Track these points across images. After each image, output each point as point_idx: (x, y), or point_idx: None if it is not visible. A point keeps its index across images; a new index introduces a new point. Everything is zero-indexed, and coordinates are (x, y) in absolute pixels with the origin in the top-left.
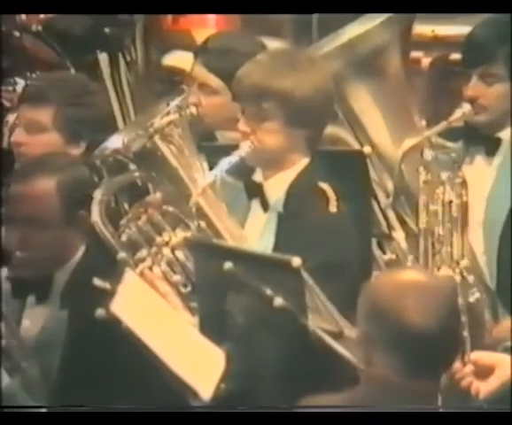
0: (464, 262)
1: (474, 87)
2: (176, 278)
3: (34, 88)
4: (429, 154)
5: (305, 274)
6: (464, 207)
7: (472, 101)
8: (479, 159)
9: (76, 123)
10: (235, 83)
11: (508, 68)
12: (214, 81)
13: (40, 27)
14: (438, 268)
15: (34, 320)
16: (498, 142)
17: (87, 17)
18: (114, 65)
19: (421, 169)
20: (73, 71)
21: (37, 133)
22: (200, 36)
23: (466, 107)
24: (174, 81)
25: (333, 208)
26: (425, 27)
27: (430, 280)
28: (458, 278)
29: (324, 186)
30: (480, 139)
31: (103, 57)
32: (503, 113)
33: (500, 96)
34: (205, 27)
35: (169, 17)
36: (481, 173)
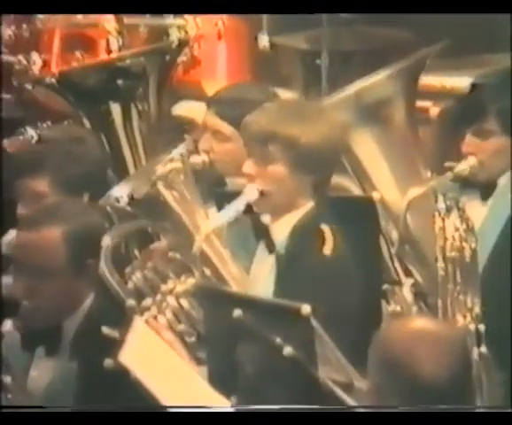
0: (477, 309)
1: (469, 143)
2: (181, 327)
3: (26, 158)
4: (442, 201)
5: (314, 322)
6: (475, 253)
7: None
8: (474, 202)
9: (74, 181)
10: (242, 128)
11: (500, 123)
12: (227, 129)
13: (54, 80)
14: (454, 316)
15: (42, 372)
16: (493, 187)
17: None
18: (127, 115)
19: (436, 215)
20: (86, 121)
21: (37, 201)
22: (210, 87)
23: (471, 160)
24: (184, 130)
25: (328, 250)
26: (433, 79)
27: (441, 329)
28: (472, 327)
29: (324, 227)
30: (476, 185)
31: (115, 107)
32: (499, 166)
33: (495, 151)
34: (215, 77)
35: (180, 68)
36: (474, 212)
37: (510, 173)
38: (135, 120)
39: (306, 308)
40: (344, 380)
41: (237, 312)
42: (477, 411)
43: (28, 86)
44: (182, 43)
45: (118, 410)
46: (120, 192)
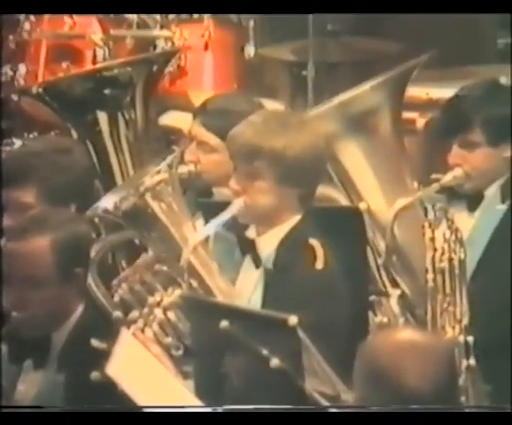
0: (466, 321)
1: (455, 155)
2: (168, 340)
3: (11, 169)
4: (431, 211)
5: (301, 334)
6: (463, 264)
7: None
8: (461, 213)
9: (61, 192)
10: (228, 142)
11: (486, 135)
12: (213, 140)
13: (40, 89)
14: (443, 328)
15: (29, 385)
16: (480, 198)
17: (87, 78)
18: (113, 125)
19: (426, 225)
20: (73, 131)
21: (23, 212)
22: (197, 97)
23: (457, 171)
24: (170, 140)
25: (320, 265)
26: (419, 90)
27: (428, 341)
28: (461, 338)
29: (313, 242)
30: (462, 196)
31: (102, 116)
32: (486, 177)
33: (481, 162)
34: (202, 88)
35: (166, 79)
36: (461, 223)
37: (510, 181)
38: (122, 130)
39: (293, 319)
40: (330, 392)
41: (224, 324)
42: (477, 411)
43: (14, 97)
44: (169, 54)
45: (118, 410)
46: (108, 203)
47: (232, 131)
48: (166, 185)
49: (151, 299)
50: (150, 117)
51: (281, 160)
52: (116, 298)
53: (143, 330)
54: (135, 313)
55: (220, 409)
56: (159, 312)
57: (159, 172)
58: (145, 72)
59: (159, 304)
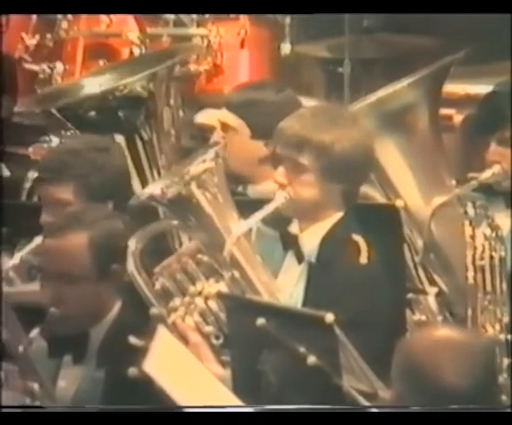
0: (506, 319)
1: (493, 152)
2: (208, 329)
3: (50, 165)
4: (472, 209)
5: (338, 331)
6: (504, 262)
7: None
8: (499, 210)
9: (98, 189)
10: (276, 134)
11: None
12: (235, 121)
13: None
14: (483, 326)
15: (69, 380)
16: None
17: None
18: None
19: (466, 223)
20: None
21: (61, 209)
22: None
23: (496, 168)
24: (205, 138)
25: (364, 259)
26: (456, 86)
27: (466, 339)
28: (502, 337)
29: (357, 238)
30: (500, 193)
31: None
32: None
33: None
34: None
35: (203, 77)
36: (499, 220)
37: (510, 181)
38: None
39: (329, 317)
40: (367, 389)
41: (261, 321)
42: (477, 411)
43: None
44: (205, 52)
45: (118, 410)
46: (154, 189)
47: (281, 123)
48: (211, 175)
49: (192, 288)
50: (186, 115)
51: (328, 155)
52: (157, 286)
53: (183, 319)
54: (176, 302)
55: (258, 409)
56: (200, 301)
57: (204, 161)
58: (182, 70)
59: (200, 293)
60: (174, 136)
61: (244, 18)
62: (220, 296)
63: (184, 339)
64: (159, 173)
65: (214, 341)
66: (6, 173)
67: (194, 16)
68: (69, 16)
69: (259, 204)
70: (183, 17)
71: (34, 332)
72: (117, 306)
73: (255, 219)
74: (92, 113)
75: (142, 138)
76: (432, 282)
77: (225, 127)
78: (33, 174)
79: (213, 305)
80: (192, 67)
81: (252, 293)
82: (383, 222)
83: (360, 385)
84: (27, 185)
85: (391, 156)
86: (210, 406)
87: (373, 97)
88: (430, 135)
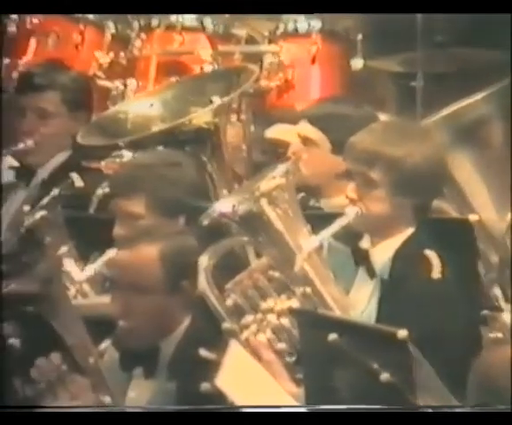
0: None
1: None
2: (281, 346)
3: (122, 180)
4: None
5: (411, 347)
6: None
7: None
8: None
9: (170, 204)
10: (347, 148)
11: None
12: (315, 134)
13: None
14: None
15: (140, 392)
16: None
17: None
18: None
19: None
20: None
21: (133, 222)
22: None
23: None
24: (276, 153)
25: (437, 275)
26: None
27: None
28: None
29: (429, 253)
30: None
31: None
32: None
33: None
34: (309, 101)
35: (273, 92)
36: None
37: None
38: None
39: (402, 333)
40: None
41: (333, 336)
42: (478, 411)
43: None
44: (276, 69)
45: (118, 410)
46: (225, 206)
47: (352, 138)
48: (282, 191)
49: (264, 305)
50: (256, 130)
51: (400, 169)
52: (229, 302)
53: (256, 335)
54: (248, 318)
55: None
56: (272, 317)
57: (274, 177)
58: (253, 85)
59: (272, 309)
60: (244, 151)
61: (315, 34)
62: (292, 312)
63: (257, 356)
64: (230, 188)
65: (287, 358)
66: (80, 184)
67: (265, 33)
68: (143, 35)
69: (331, 218)
70: (255, 35)
71: (104, 344)
72: (187, 321)
73: (326, 234)
74: (160, 148)
75: (209, 173)
76: (508, 299)
77: (305, 140)
78: (104, 188)
79: (285, 321)
80: (263, 83)
81: (323, 309)
82: (456, 237)
83: (435, 403)
84: (99, 198)
85: (465, 170)
86: (267, 406)
87: (446, 111)
88: (504, 148)
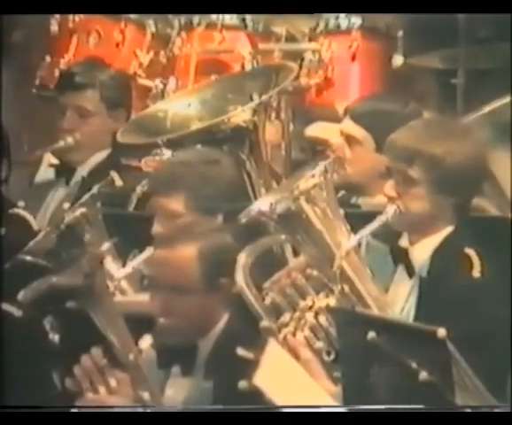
0: None
1: None
2: (319, 345)
3: (161, 177)
4: None
5: (450, 347)
6: None
7: None
8: None
9: (208, 202)
10: (387, 146)
11: None
12: (360, 132)
13: None
14: None
15: (178, 390)
16: None
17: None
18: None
19: None
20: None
21: (172, 220)
22: (343, 108)
23: None
24: (316, 151)
25: (477, 273)
26: None
27: None
28: None
29: (469, 251)
30: None
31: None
32: None
33: None
34: (348, 99)
35: (313, 90)
36: None
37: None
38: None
39: (441, 332)
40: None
41: (371, 335)
42: (477, 411)
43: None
44: (316, 66)
45: (118, 410)
46: (263, 205)
47: (392, 135)
48: (320, 190)
49: (302, 303)
50: (295, 128)
51: (439, 167)
52: (267, 301)
53: (294, 334)
54: (286, 317)
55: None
56: (310, 316)
57: (313, 176)
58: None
59: (310, 308)
60: (283, 149)
61: (355, 31)
62: (330, 310)
63: (295, 355)
64: (268, 186)
65: (326, 357)
66: (119, 183)
67: (306, 30)
68: (183, 33)
69: (370, 216)
70: (295, 33)
71: (144, 342)
72: (224, 319)
73: (364, 232)
74: (198, 146)
75: (247, 171)
76: None
77: (349, 138)
78: (143, 186)
79: (323, 320)
80: (303, 81)
81: (362, 307)
82: (496, 235)
83: (474, 403)
84: (138, 196)
85: (506, 167)
86: (306, 406)
87: (487, 108)
88: None
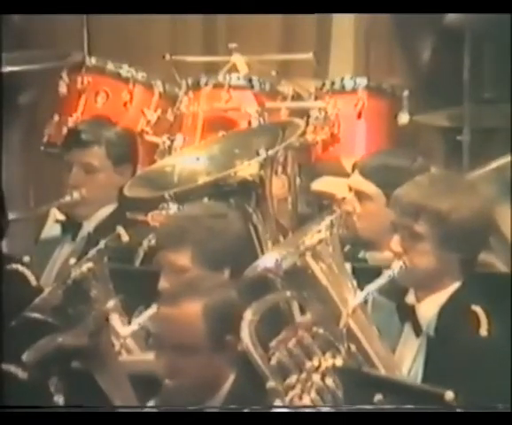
0: None
1: None
2: (326, 409)
3: (168, 232)
4: None
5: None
6: None
7: None
8: None
9: (215, 256)
10: (393, 201)
11: None
12: (370, 188)
13: None
14: None
15: None
16: None
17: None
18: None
19: None
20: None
21: (178, 275)
22: (349, 164)
23: None
24: (322, 205)
25: (484, 332)
26: None
27: None
28: None
29: (476, 309)
30: None
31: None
32: None
33: None
34: (354, 155)
35: (319, 146)
36: None
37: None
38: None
39: (449, 394)
40: None
41: (378, 398)
42: (477, 411)
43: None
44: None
45: (118, 410)
46: (269, 261)
47: (397, 190)
48: (326, 245)
49: (309, 364)
50: (302, 183)
51: (445, 223)
52: (273, 361)
53: (300, 397)
54: (292, 379)
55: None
56: (317, 377)
57: (319, 231)
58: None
59: (317, 369)
60: (290, 203)
61: (361, 91)
62: (336, 370)
63: None
64: (275, 240)
65: None
66: (126, 238)
67: (312, 90)
68: (190, 93)
69: (377, 271)
70: (301, 92)
71: (151, 404)
72: (231, 378)
73: (371, 288)
74: (205, 200)
75: (254, 225)
76: None
77: (358, 193)
78: (150, 241)
79: (329, 381)
80: (309, 137)
81: (368, 367)
82: (503, 292)
83: None
84: (145, 251)
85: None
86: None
87: (492, 165)
88: None
